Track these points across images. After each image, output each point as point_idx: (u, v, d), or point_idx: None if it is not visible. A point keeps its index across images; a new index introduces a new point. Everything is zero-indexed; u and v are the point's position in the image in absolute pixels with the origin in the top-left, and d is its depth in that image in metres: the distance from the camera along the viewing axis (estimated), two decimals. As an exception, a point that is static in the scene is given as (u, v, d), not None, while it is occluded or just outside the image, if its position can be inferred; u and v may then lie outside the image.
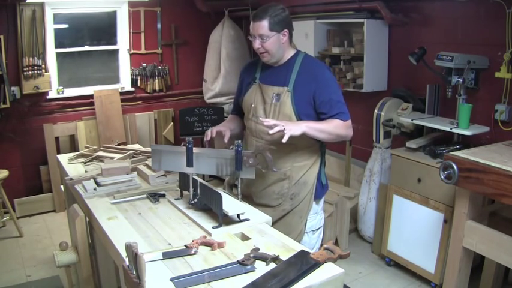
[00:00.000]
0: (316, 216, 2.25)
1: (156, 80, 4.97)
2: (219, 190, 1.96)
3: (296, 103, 2.06)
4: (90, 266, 2.21)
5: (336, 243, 3.52)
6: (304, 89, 2.06)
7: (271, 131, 1.87)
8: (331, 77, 2.15)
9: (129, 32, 4.78)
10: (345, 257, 1.55)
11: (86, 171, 2.60)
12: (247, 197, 2.18)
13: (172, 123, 5.16)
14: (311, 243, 2.24)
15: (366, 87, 3.61)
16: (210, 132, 2.13)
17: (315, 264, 1.48)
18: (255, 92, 2.18)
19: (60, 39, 4.52)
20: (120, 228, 1.84)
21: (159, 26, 4.94)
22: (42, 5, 4.19)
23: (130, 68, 4.87)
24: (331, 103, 2.05)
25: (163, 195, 2.17)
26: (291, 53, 2.14)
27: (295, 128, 1.91)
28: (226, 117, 2.57)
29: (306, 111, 2.07)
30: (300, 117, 2.07)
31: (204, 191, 1.93)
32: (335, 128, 2.04)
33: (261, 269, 1.49)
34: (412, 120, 3.15)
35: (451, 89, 2.98)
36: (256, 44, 2.05)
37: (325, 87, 2.06)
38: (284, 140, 1.86)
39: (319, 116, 2.09)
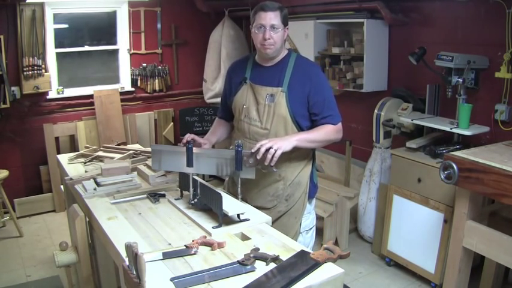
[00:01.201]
0: (309, 216, 2.25)
1: (156, 80, 4.97)
2: (219, 190, 1.96)
3: (291, 104, 2.05)
4: (90, 266, 2.21)
5: (336, 243, 3.52)
6: (298, 89, 2.05)
7: (258, 156, 1.87)
8: (325, 78, 2.15)
9: (129, 32, 4.78)
10: (345, 257, 1.55)
11: (86, 171, 2.60)
12: (242, 200, 2.17)
13: (172, 123, 5.16)
14: (306, 242, 2.24)
15: (366, 87, 3.61)
16: (187, 137, 2.08)
17: (315, 264, 1.48)
18: (246, 92, 2.15)
19: (60, 39, 4.53)
20: (120, 228, 1.84)
21: (159, 26, 4.94)
22: (42, 5, 4.19)
23: (131, 68, 4.87)
24: (324, 104, 2.06)
25: (163, 195, 2.17)
26: (284, 52, 2.13)
27: (285, 144, 1.91)
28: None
29: (300, 112, 2.07)
30: (295, 117, 2.06)
31: (204, 191, 1.93)
32: (326, 134, 2.05)
33: (261, 269, 1.49)
34: (412, 120, 3.15)
35: (451, 89, 2.98)
36: (267, 34, 2.00)
37: (320, 88, 2.06)
38: (276, 157, 1.86)
39: (310, 117, 2.09)
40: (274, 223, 2.13)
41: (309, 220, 2.25)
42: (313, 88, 2.05)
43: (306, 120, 2.09)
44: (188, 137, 2.05)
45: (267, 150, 1.87)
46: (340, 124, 2.10)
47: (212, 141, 2.26)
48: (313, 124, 2.10)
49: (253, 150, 1.90)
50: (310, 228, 2.27)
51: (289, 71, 2.08)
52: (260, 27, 2.02)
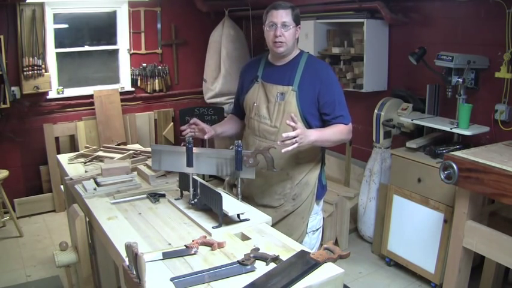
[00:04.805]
0: (316, 217, 2.25)
1: (156, 80, 4.97)
2: (219, 190, 1.96)
3: (301, 103, 2.06)
4: (90, 266, 2.21)
5: (336, 243, 3.52)
6: (309, 88, 2.06)
7: (279, 143, 1.84)
8: (335, 78, 2.16)
9: (129, 32, 4.78)
10: (345, 257, 1.55)
11: (86, 171, 2.60)
12: (248, 198, 2.18)
13: (172, 123, 5.15)
14: (311, 243, 2.24)
15: (366, 87, 3.61)
16: (193, 121, 2.15)
17: (315, 264, 1.48)
18: (257, 90, 2.17)
19: (60, 39, 4.52)
20: (120, 228, 1.84)
21: (159, 26, 4.94)
22: (42, 5, 4.19)
23: (130, 68, 4.87)
24: (335, 104, 2.07)
25: (163, 195, 2.17)
26: (295, 52, 2.15)
27: (305, 143, 1.88)
28: (226, 117, 2.57)
29: (310, 111, 2.08)
30: (305, 116, 2.07)
31: (204, 191, 1.93)
32: (340, 134, 2.07)
33: (261, 269, 1.49)
34: (412, 120, 3.15)
35: (451, 89, 2.99)
36: (278, 31, 2.02)
37: (330, 88, 2.08)
38: (291, 149, 1.83)
39: (321, 117, 2.10)
40: (280, 222, 2.15)
41: (315, 221, 2.25)
42: (323, 88, 2.06)
43: (315, 119, 2.10)
44: (192, 120, 2.12)
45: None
46: (350, 124, 2.11)
47: (217, 131, 2.26)
48: (324, 124, 2.11)
49: (284, 135, 1.83)
50: (317, 229, 2.28)
51: (300, 70, 2.09)
52: (272, 25, 2.05)
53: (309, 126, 2.08)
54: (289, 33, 2.04)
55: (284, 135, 1.82)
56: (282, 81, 2.11)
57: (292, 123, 1.84)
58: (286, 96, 2.07)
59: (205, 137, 2.16)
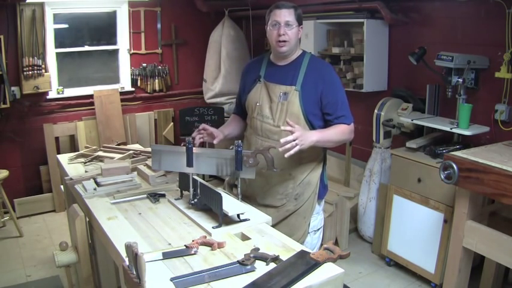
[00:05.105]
0: (317, 216, 2.26)
1: (156, 80, 4.97)
2: (219, 190, 1.96)
3: (304, 102, 2.07)
4: (90, 266, 2.21)
5: (336, 243, 3.52)
6: (311, 88, 2.07)
7: (281, 148, 1.84)
8: (338, 78, 2.17)
9: (129, 32, 4.78)
10: (345, 257, 1.55)
11: (86, 171, 2.60)
12: (250, 198, 2.18)
13: (172, 123, 5.16)
14: (312, 243, 2.24)
15: (366, 87, 3.61)
16: (202, 127, 2.14)
17: (315, 264, 1.48)
18: (260, 90, 2.17)
19: (60, 39, 4.52)
20: (120, 228, 1.84)
21: (159, 26, 4.94)
22: (42, 5, 4.19)
23: (130, 68, 4.87)
24: (337, 104, 2.08)
25: (163, 195, 2.17)
26: (298, 52, 2.16)
27: (306, 144, 1.88)
28: (227, 117, 2.57)
29: (313, 111, 2.08)
30: (307, 116, 2.08)
31: (204, 191, 1.93)
32: (342, 134, 2.08)
33: (261, 269, 1.49)
34: (412, 120, 3.15)
35: (451, 89, 2.99)
36: (281, 30, 2.04)
37: (332, 88, 2.09)
38: (292, 152, 1.84)
39: (323, 117, 2.11)
40: (282, 222, 2.16)
41: (317, 221, 2.26)
42: (326, 88, 2.07)
43: (318, 119, 2.11)
44: (201, 126, 2.12)
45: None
46: (352, 125, 2.12)
47: (224, 133, 2.26)
48: (326, 124, 2.11)
49: (282, 141, 1.85)
50: (318, 229, 2.28)
51: (303, 70, 2.10)
52: (275, 24, 2.06)
53: (311, 126, 2.09)
54: (292, 33, 2.05)
55: (282, 140, 1.83)
56: (285, 81, 2.11)
57: (288, 128, 1.85)
58: (289, 96, 2.08)
59: (215, 141, 2.16)
